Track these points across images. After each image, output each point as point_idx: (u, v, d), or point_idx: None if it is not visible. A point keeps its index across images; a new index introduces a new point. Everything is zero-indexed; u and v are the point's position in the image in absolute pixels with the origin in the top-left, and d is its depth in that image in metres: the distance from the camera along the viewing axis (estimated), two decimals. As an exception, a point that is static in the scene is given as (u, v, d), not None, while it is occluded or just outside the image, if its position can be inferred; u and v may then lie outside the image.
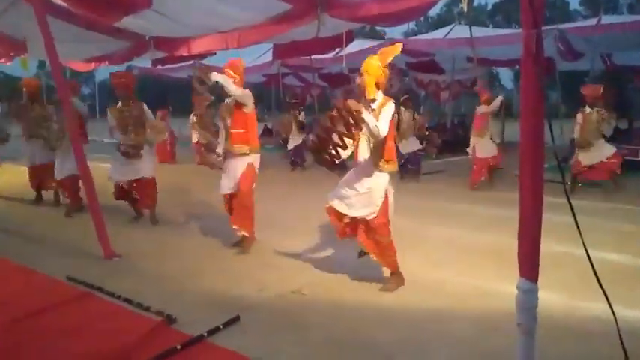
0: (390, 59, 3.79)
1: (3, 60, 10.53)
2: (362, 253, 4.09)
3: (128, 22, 7.54)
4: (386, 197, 3.82)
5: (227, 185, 5.07)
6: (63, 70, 6.00)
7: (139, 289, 3.87)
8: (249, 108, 4.97)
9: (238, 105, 4.94)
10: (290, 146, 11.90)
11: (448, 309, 3.58)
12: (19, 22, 8.43)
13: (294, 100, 12.53)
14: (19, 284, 4.18)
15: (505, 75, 43.63)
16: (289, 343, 3.07)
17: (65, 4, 6.59)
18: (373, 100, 3.79)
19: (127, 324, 3.33)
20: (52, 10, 6.28)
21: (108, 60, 11.15)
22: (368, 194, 3.78)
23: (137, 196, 6.28)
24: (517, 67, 26.64)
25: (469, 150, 8.97)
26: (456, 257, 4.81)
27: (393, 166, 3.87)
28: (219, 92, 5.01)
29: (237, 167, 4.98)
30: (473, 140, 8.87)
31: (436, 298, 3.77)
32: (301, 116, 12.36)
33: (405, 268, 4.08)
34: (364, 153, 3.81)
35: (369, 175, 3.78)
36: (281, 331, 3.25)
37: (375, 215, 3.78)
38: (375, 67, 3.77)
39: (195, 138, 7.75)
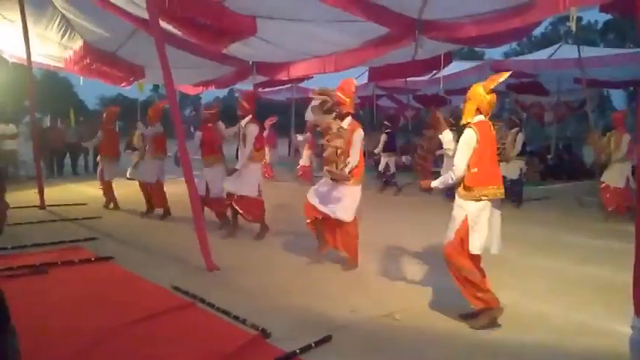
0: (494, 85, 3.67)
1: (124, 84, 11.60)
2: None
3: (234, 48, 8.05)
4: None
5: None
6: (175, 93, 6.52)
7: (235, 302, 4.03)
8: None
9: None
10: (380, 167, 11.93)
11: (549, 345, 3.36)
12: (138, 49, 9.32)
13: (385, 122, 12.53)
14: (128, 290, 4.52)
15: (618, 97, 40.51)
16: (380, 367, 3.04)
17: (180, 33, 7.19)
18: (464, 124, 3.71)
19: (225, 335, 3.48)
20: (170, 39, 6.87)
21: (214, 84, 11.91)
22: None
23: (239, 211, 6.50)
24: (631, 88, 24.70)
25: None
26: (559, 290, 4.50)
27: None
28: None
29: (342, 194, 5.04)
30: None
31: (536, 333, 3.55)
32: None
33: (504, 298, 3.89)
34: None
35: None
36: (371, 354, 3.22)
37: None
38: (475, 94, 3.67)
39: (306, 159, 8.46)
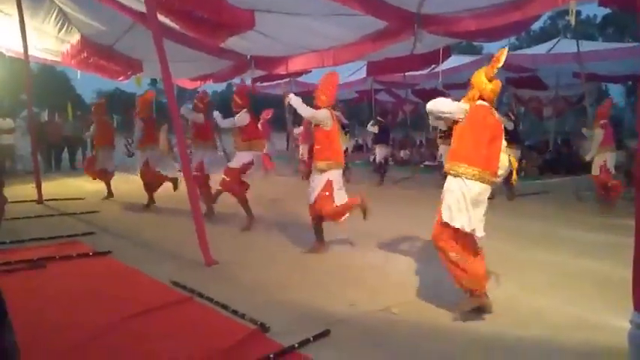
0: (495, 70, 3.64)
1: (121, 78, 11.55)
2: None
3: (232, 42, 8.01)
4: None
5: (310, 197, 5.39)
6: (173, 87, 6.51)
7: (234, 296, 4.03)
8: (328, 126, 5.22)
9: (317, 124, 5.30)
10: (377, 159, 11.97)
11: (546, 340, 3.36)
12: (135, 43, 9.27)
13: (377, 118, 12.52)
14: (126, 285, 4.52)
15: (616, 91, 40.49)
16: (378, 361, 3.05)
17: (178, 27, 7.15)
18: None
19: (224, 330, 3.49)
20: (167, 33, 6.83)
21: (212, 78, 11.87)
22: None
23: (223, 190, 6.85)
24: (630, 83, 24.69)
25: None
26: (557, 284, 4.51)
27: None
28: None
29: (317, 182, 5.28)
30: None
31: (533, 328, 3.55)
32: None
33: (501, 293, 3.91)
34: None
35: None
36: (370, 348, 3.23)
37: None
38: (478, 81, 3.67)
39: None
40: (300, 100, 5.33)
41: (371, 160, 12.04)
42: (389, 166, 12.35)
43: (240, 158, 6.67)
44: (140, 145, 8.24)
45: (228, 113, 6.73)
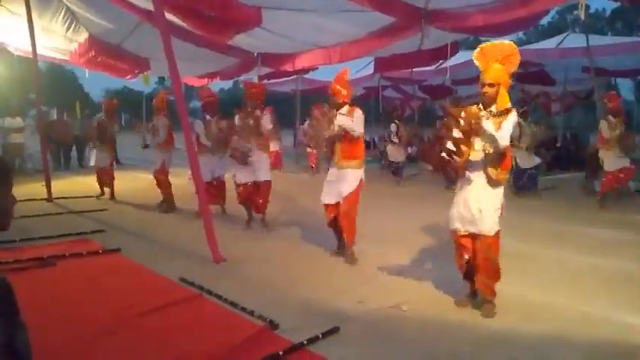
0: (516, 65, 3.58)
1: (129, 76, 11.60)
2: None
3: (239, 39, 8.01)
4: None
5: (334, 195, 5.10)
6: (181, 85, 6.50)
7: (243, 293, 4.04)
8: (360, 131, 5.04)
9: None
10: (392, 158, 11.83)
11: (554, 336, 3.35)
12: (143, 42, 9.31)
13: (396, 120, 12.37)
14: (136, 282, 4.55)
15: (625, 86, 40.15)
16: (386, 358, 3.04)
17: (185, 25, 7.16)
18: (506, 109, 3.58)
19: (233, 327, 3.50)
20: (175, 31, 6.84)
21: (219, 76, 11.89)
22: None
23: (258, 199, 6.52)
24: (639, 77, 24.46)
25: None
26: (565, 281, 4.48)
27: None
28: None
29: (350, 179, 5.01)
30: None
31: (542, 323, 3.54)
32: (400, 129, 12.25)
33: (511, 289, 3.89)
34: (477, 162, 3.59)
35: (486, 187, 3.62)
36: (379, 345, 3.23)
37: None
38: (504, 78, 3.57)
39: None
40: (346, 119, 4.94)
41: (383, 163, 11.89)
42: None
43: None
44: (164, 145, 7.92)
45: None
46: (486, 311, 3.68)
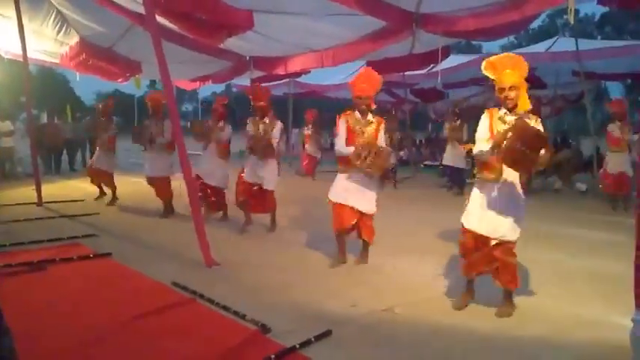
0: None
1: (120, 80, 11.54)
2: None
3: (230, 43, 8.01)
4: None
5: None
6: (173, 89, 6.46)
7: (235, 297, 4.03)
8: None
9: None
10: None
11: (546, 337, 3.37)
12: (134, 45, 9.28)
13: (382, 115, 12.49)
14: (127, 287, 4.51)
15: (614, 89, 40.56)
16: (380, 361, 3.04)
17: (176, 28, 7.15)
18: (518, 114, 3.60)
19: (225, 331, 3.48)
20: (166, 34, 6.82)
21: (211, 79, 11.86)
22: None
23: (263, 205, 6.49)
24: (629, 80, 24.70)
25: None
26: (556, 282, 4.52)
27: None
28: None
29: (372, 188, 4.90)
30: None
31: (533, 325, 3.57)
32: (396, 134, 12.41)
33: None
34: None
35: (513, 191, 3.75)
36: (372, 349, 3.23)
37: None
38: (523, 82, 3.58)
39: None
40: (384, 137, 4.88)
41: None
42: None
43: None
44: (169, 147, 7.63)
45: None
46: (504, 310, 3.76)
